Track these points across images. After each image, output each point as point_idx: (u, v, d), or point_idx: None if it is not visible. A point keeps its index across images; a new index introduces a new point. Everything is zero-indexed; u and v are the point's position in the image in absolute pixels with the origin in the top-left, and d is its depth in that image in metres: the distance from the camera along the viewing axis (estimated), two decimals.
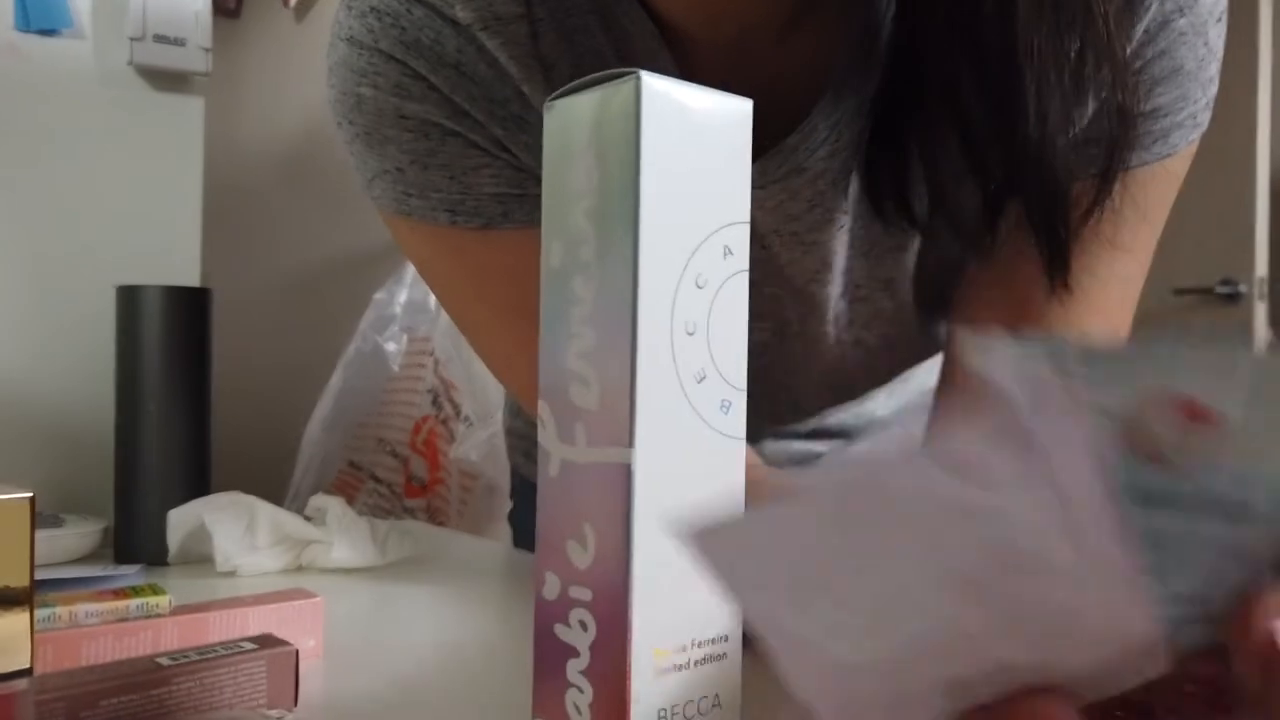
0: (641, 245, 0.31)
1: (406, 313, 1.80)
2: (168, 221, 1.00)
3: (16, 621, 0.30)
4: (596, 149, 0.32)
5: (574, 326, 0.32)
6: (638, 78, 0.31)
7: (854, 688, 0.23)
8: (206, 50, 0.98)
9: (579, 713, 0.32)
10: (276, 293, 2.16)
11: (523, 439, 0.89)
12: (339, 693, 0.48)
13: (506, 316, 0.58)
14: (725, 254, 0.34)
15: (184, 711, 0.41)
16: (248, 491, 0.76)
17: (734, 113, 0.34)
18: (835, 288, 0.62)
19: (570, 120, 0.33)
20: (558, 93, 0.34)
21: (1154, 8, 0.50)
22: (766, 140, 0.52)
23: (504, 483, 1.67)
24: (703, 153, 0.33)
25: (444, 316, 1.80)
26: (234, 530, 0.73)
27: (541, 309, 0.34)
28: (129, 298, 0.78)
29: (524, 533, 0.93)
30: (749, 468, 0.35)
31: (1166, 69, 0.51)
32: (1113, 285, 0.56)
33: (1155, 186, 0.55)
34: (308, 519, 0.76)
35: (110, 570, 0.70)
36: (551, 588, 0.33)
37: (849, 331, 0.66)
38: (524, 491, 0.93)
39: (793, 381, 0.70)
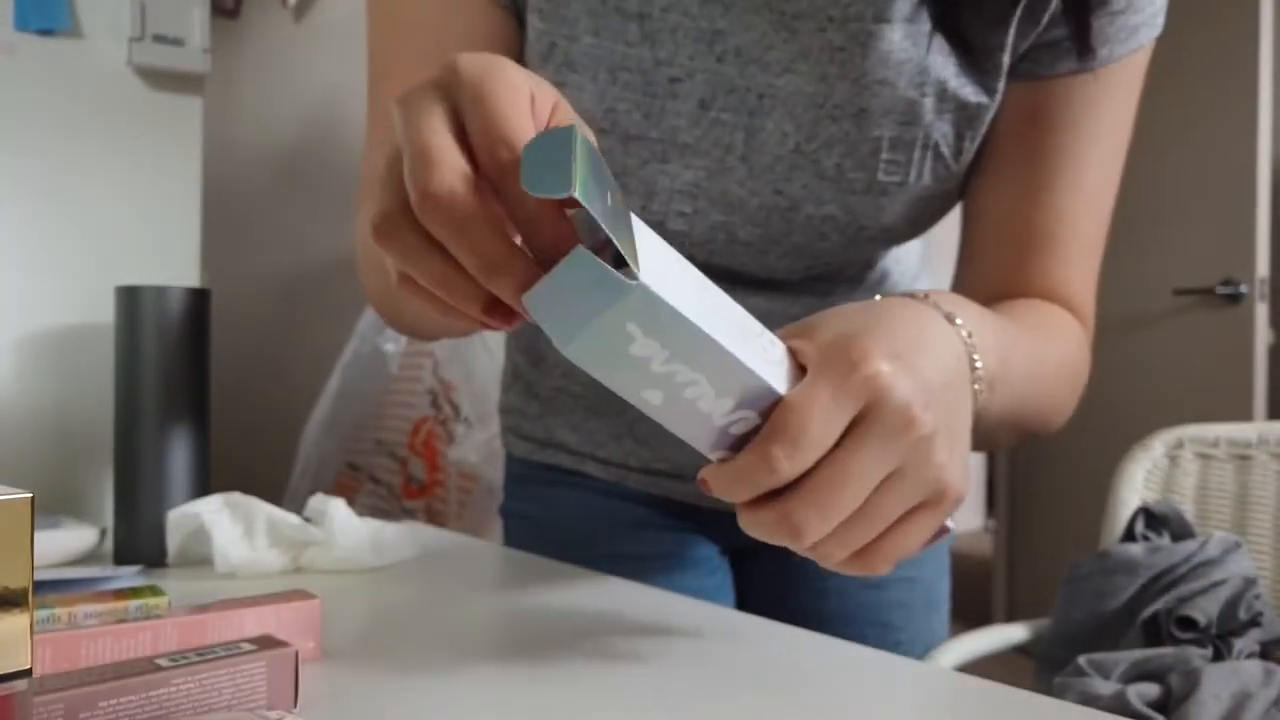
0: (706, 326, 0.40)
1: None
2: (167, 222, 1.00)
3: (15, 622, 0.30)
4: (643, 333, 0.39)
5: (708, 407, 0.42)
6: (641, 288, 0.38)
7: None
8: (206, 51, 0.98)
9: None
10: (275, 293, 2.16)
11: (515, 414, 0.88)
12: (339, 694, 0.48)
13: (420, 65, 0.63)
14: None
15: (183, 712, 0.41)
16: (247, 493, 0.76)
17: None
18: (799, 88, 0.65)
19: (600, 338, 0.39)
20: (564, 340, 0.39)
21: None
22: None
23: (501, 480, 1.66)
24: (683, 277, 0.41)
25: None
26: (233, 531, 0.73)
27: (672, 424, 0.43)
28: (128, 298, 0.77)
29: (517, 525, 0.91)
30: None
31: None
32: (1094, 173, 0.68)
33: (1127, 76, 0.66)
34: (307, 520, 0.76)
35: (109, 571, 0.70)
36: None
37: (805, 149, 0.66)
38: (517, 475, 0.91)
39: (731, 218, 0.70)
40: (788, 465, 0.42)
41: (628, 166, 0.66)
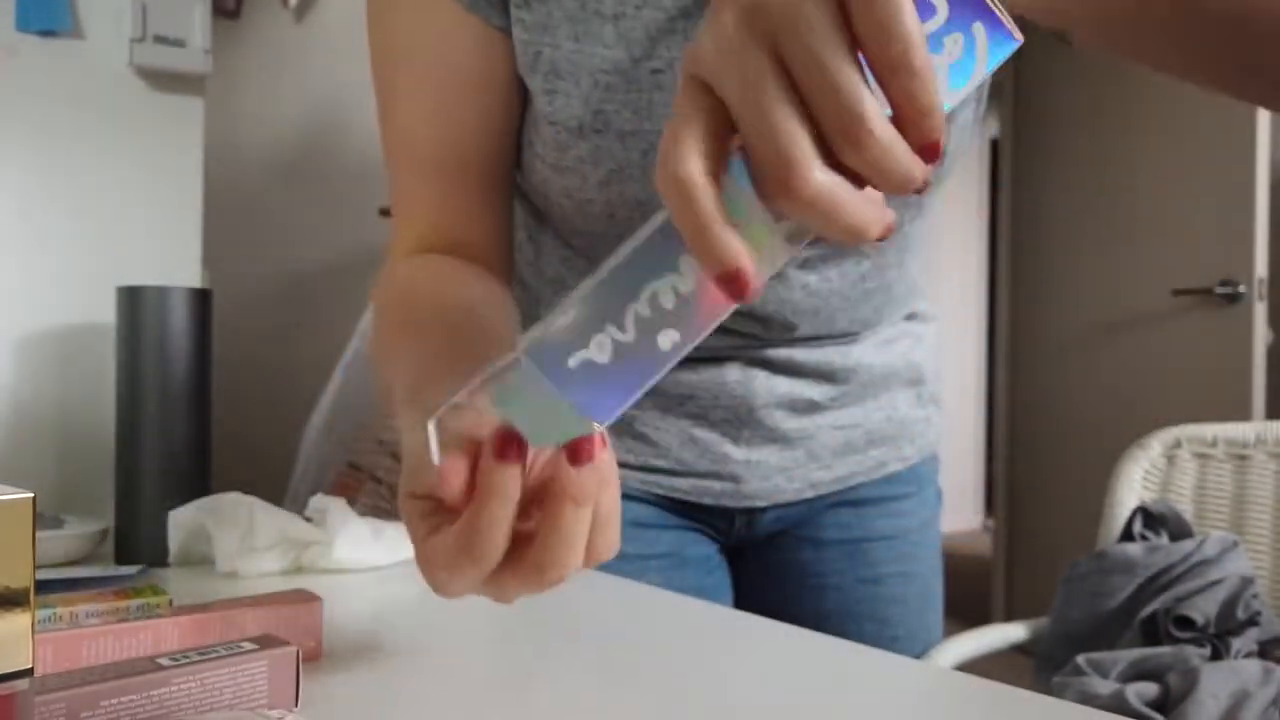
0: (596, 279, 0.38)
1: None
2: (168, 223, 1.00)
3: (17, 622, 0.30)
4: (585, 347, 0.38)
5: (688, 284, 0.38)
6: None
7: None
8: (207, 51, 0.98)
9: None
10: (276, 293, 2.17)
11: None
12: (339, 693, 0.48)
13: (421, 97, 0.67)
14: None
15: (184, 711, 0.41)
16: (247, 492, 0.76)
17: None
18: None
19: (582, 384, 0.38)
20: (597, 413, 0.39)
21: None
22: None
23: None
24: None
25: None
26: (234, 531, 0.73)
27: (707, 319, 0.38)
28: (130, 299, 0.78)
29: None
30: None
31: None
32: None
33: None
34: (308, 520, 0.76)
35: (111, 571, 0.70)
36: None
37: None
38: None
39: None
40: (688, 164, 0.33)
41: (629, 159, 0.67)
